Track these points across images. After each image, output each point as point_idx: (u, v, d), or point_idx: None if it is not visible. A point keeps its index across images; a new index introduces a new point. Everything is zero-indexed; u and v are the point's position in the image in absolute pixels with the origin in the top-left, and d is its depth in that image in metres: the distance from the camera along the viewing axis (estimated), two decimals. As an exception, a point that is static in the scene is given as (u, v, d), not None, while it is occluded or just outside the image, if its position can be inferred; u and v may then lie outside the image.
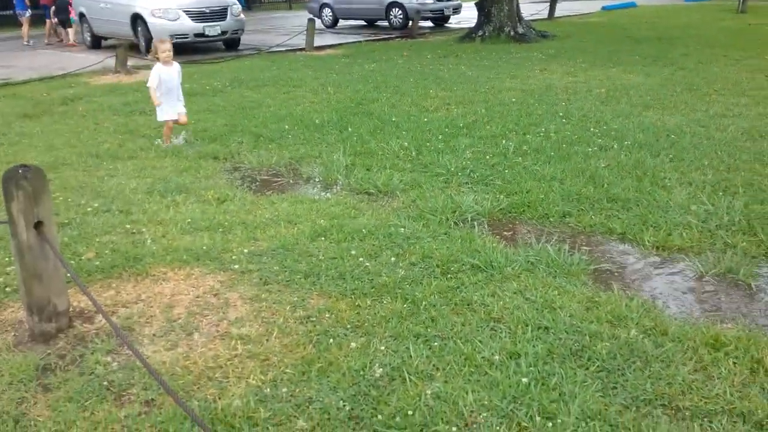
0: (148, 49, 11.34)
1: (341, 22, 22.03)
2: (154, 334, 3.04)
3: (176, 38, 14.09)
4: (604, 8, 25.06)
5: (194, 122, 7.26)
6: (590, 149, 5.77)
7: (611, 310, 3.08)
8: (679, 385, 2.53)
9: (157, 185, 5.16)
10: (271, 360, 2.80)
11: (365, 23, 22.25)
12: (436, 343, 2.86)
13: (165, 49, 6.39)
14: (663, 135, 6.12)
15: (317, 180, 5.43)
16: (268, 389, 2.59)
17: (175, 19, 14.08)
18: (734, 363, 2.66)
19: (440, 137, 6.37)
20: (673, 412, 2.41)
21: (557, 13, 21.59)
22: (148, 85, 6.41)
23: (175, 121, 6.56)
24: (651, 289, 3.43)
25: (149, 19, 14.01)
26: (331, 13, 21.67)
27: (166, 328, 3.08)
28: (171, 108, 6.49)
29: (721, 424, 2.32)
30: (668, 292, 3.40)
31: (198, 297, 3.38)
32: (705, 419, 2.36)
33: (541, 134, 6.36)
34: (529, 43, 14.56)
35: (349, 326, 3.04)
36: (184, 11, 14.20)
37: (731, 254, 3.68)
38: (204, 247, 3.92)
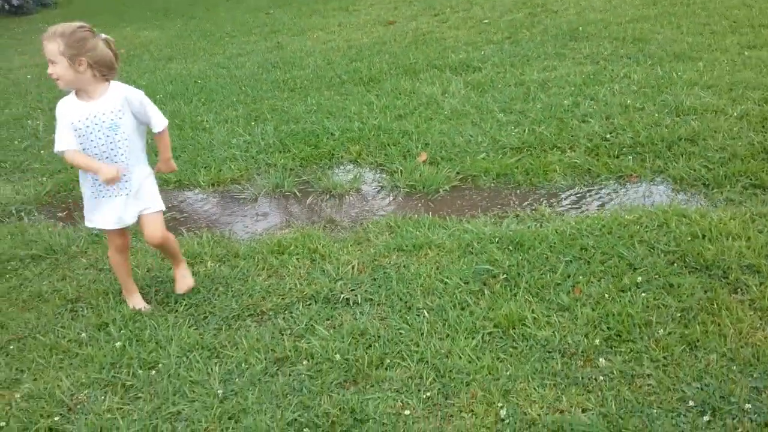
0: None
1: None
2: None
3: None
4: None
5: None
6: (126, 110, 5.68)
7: (186, 252, 3.20)
8: (258, 294, 2.82)
9: None
10: None
11: None
12: (12, 347, 2.60)
13: (94, 52, 2.46)
14: (191, 82, 6.37)
15: None
16: None
17: None
18: (297, 259, 3.07)
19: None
20: (259, 316, 2.69)
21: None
22: (56, 149, 2.58)
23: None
24: (217, 223, 3.66)
25: None
26: None
27: None
28: (106, 212, 2.69)
29: (299, 309, 2.68)
30: (232, 221, 3.68)
31: None
32: (285, 311, 2.68)
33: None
34: (31, 15, 13.32)
35: None
36: None
37: (274, 172, 4.14)
38: None
